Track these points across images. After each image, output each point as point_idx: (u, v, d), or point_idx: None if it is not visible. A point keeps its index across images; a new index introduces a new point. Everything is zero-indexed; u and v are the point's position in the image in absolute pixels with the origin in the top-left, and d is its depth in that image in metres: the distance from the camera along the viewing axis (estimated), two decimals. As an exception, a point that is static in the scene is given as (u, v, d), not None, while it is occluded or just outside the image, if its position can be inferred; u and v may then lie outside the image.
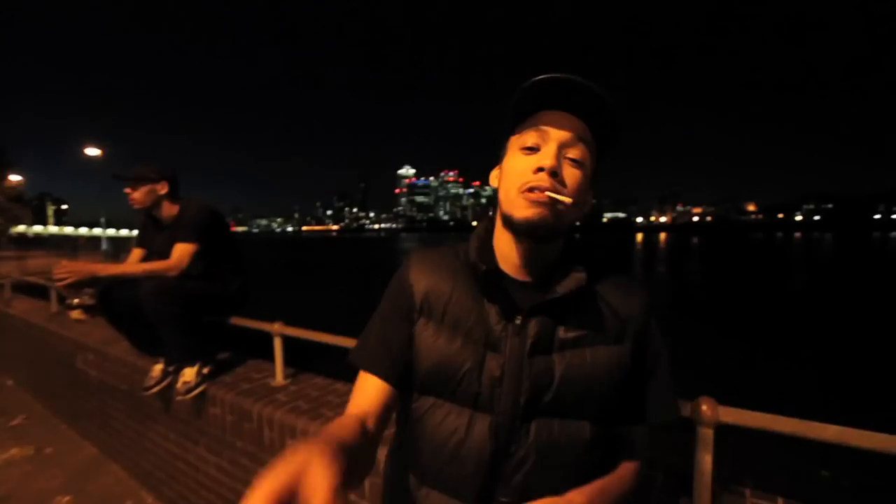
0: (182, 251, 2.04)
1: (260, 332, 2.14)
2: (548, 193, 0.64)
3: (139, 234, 2.32)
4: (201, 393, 2.01)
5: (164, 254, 2.08)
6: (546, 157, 0.65)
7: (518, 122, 0.72)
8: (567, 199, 0.65)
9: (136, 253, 2.26)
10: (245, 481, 1.87)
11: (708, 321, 12.24)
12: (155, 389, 2.10)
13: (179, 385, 2.00)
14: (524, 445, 0.68)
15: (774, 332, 10.88)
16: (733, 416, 1.01)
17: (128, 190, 2.13)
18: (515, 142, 0.70)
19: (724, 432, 1.05)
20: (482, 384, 0.69)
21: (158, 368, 2.15)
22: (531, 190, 0.65)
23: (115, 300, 2.04)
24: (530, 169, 0.65)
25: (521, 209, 0.66)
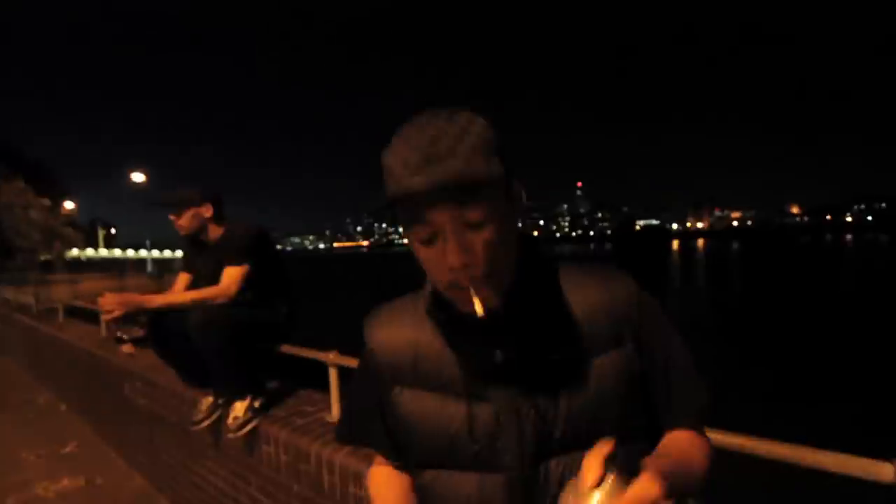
0: (231, 276, 1.92)
1: (309, 359, 1.99)
2: (472, 287, 0.56)
3: (184, 257, 2.22)
4: (253, 429, 1.88)
5: (211, 277, 1.97)
6: (450, 254, 0.54)
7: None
8: (486, 286, 0.56)
9: (183, 278, 2.16)
10: (302, 530, 1.70)
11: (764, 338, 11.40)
12: (204, 424, 1.98)
13: (230, 421, 1.87)
14: (547, 492, 0.59)
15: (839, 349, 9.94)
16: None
17: (173, 217, 2.03)
18: (409, 233, 0.60)
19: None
20: (478, 441, 0.61)
21: (208, 402, 2.03)
22: (456, 286, 0.57)
23: (165, 331, 1.94)
24: (442, 265, 0.57)
25: (459, 303, 0.60)
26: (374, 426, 0.72)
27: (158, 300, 1.88)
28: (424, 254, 0.59)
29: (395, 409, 0.68)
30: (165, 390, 2.48)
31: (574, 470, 0.51)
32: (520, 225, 0.65)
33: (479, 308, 0.55)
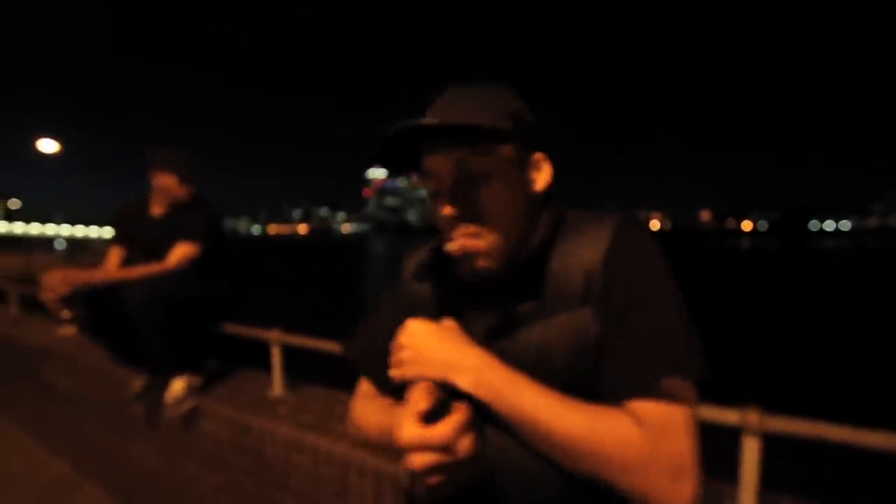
0: (185, 253, 1.89)
1: (250, 339, 2.02)
2: (461, 244, 0.58)
3: (119, 228, 2.08)
4: (192, 406, 1.88)
5: (155, 251, 1.92)
6: (445, 202, 0.57)
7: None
8: (478, 244, 0.57)
9: (116, 252, 2.06)
10: (244, 501, 1.75)
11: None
12: (139, 403, 1.96)
13: (168, 398, 1.86)
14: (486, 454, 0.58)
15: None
16: (782, 424, 0.99)
17: (159, 176, 1.93)
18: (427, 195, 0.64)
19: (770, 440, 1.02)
20: None
21: (142, 380, 2.00)
22: (449, 240, 0.59)
23: (106, 309, 1.86)
24: (440, 217, 0.59)
25: (460, 265, 0.61)
26: (376, 353, 0.69)
27: (110, 275, 1.81)
28: (436, 210, 0.60)
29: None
30: (91, 370, 2.39)
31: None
32: (535, 191, 0.61)
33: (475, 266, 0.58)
